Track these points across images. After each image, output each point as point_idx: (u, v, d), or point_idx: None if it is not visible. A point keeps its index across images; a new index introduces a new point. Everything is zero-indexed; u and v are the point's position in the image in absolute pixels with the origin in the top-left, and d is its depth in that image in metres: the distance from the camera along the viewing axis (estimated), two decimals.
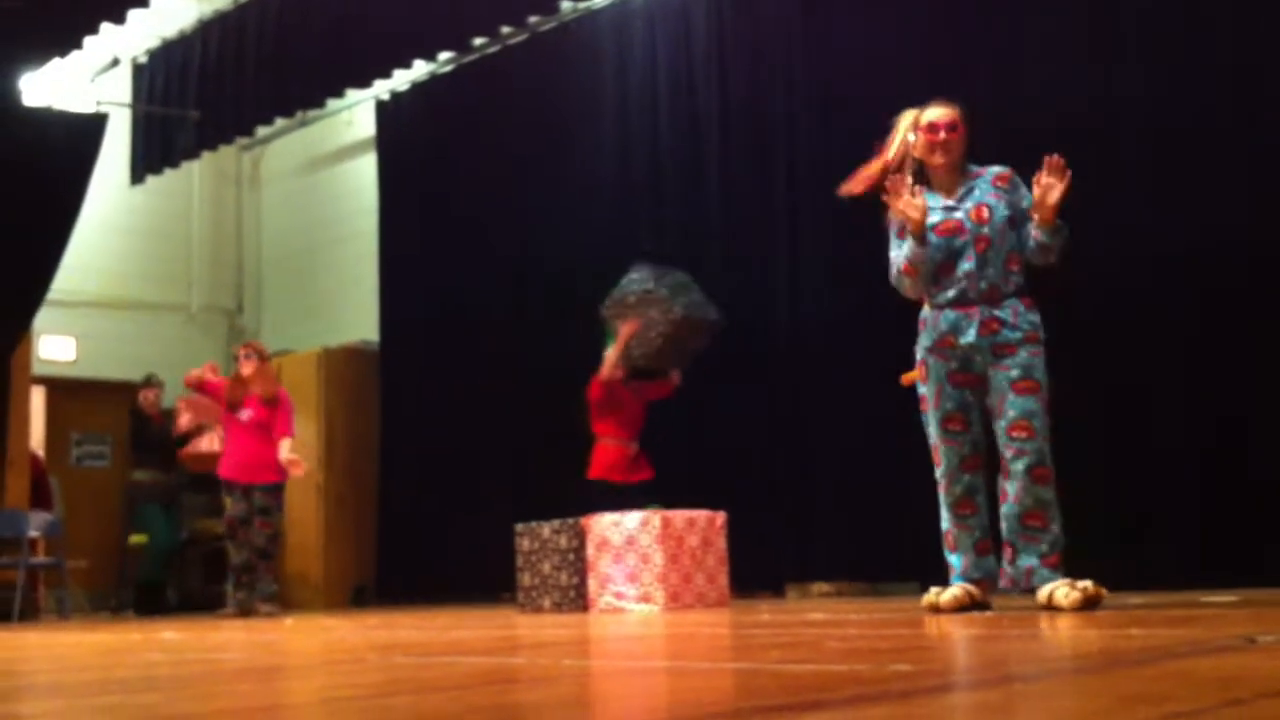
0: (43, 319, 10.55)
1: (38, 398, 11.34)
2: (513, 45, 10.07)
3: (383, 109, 11.20)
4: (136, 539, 10.62)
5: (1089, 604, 4.21)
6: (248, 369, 8.70)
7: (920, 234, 4.61)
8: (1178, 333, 6.25)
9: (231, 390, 8.73)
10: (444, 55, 10.37)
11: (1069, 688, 2.09)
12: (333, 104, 11.11)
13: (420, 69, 10.62)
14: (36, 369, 10.78)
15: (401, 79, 10.75)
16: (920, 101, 7.35)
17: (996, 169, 4.68)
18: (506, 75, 10.02)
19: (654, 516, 6.71)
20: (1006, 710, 1.79)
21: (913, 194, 4.64)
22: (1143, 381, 6.28)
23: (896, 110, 7.51)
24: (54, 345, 11.48)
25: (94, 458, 11.98)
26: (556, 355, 9.30)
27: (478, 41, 10.01)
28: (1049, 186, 4.43)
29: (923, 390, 4.70)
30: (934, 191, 4.71)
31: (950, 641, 3.32)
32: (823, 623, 4.42)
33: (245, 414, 8.68)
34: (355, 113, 11.75)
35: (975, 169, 4.71)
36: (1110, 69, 6.61)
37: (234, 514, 8.68)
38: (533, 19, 9.59)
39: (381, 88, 10.92)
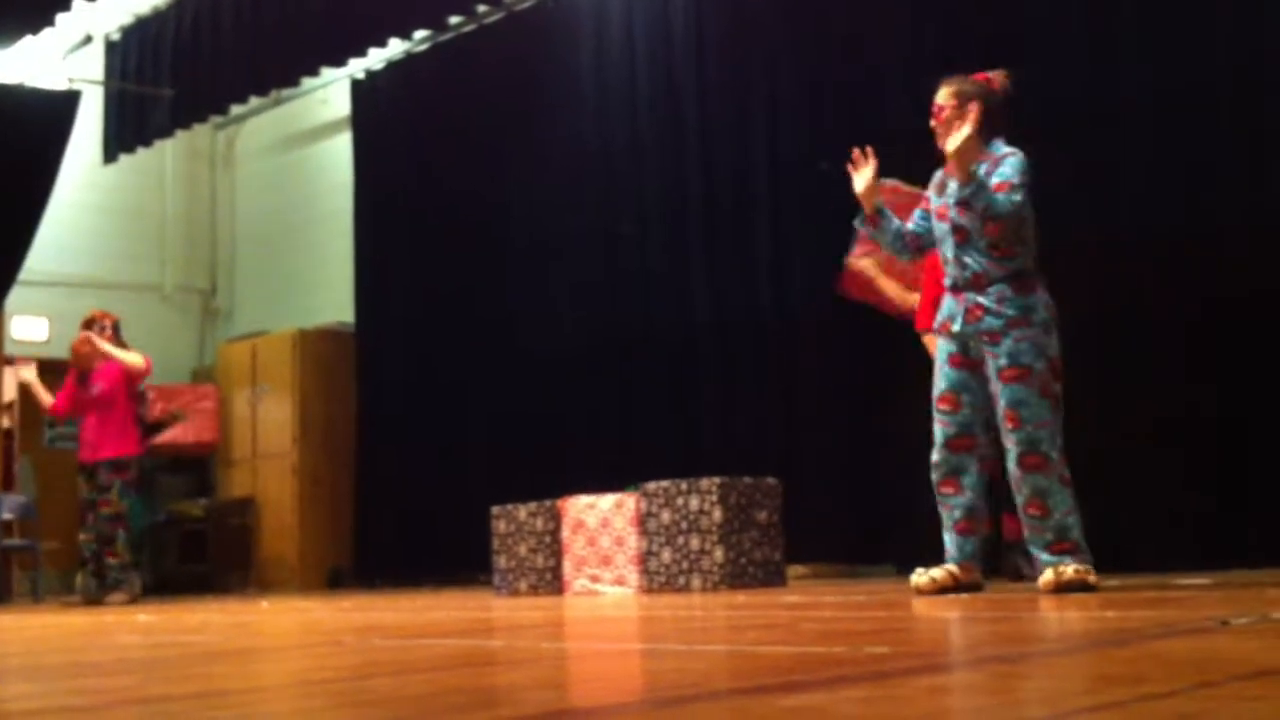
0: (15, 299, 10.46)
1: (10, 379, 11.25)
2: (489, 24, 10.01)
3: (358, 88, 11.13)
4: None
5: (1071, 588, 4.19)
6: (103, 340, 8.30)
7: (865, 206, 4.82)
8: (1155, 317, 6.27)
9: (77, 360, 8.33)
10: (420, 34, 10.31)
11: (1044, 669, 2.10)
12: (308, 82, 11.03)
13: (396, 48, 10.55)
14: (9, 349, 10.71)
15: (377, 58, 10.69)
16: (899, 80, 7.40)
17: (1004, 150, 4.53)
18: (483, 54, 9.97)
19: (628, 499, 6.71)
20: (983, 691, 1.80)
21: (863, 162, 4.78)
22: (1115, 366, 6.30)
23: (879, 88, 7.55)
24: (27, 325, 11.39)
25: (68, 439, 11.87)
26: (533, 335, 9.29)
27: (454, 20, 9.95)
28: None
29: None
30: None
31: (927, 624, 3.33)
32: (799, 605, 4.44)
33: (94, 388, 8.31)
34: (330, 91, 11.67)
35: (994, 151, 4.54)
36: (1106, 54, 6.60)
37: (83, 496, 8.31)
38: None
39: (357, 66, 10.84)
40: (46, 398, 8.57)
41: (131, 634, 4.48)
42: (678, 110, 8.66)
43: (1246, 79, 6.15)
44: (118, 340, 8.47)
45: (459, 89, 10.06)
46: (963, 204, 4.48)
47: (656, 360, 8.55)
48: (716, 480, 6.43)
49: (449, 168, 10.11)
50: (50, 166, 10.07)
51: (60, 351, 11.39)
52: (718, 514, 6.33)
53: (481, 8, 9.77)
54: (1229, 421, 6.00)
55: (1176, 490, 6.08)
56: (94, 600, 8.16)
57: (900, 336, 6.56)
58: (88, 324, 8.45)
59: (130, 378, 8.35)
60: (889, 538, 7.07)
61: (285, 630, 4.53)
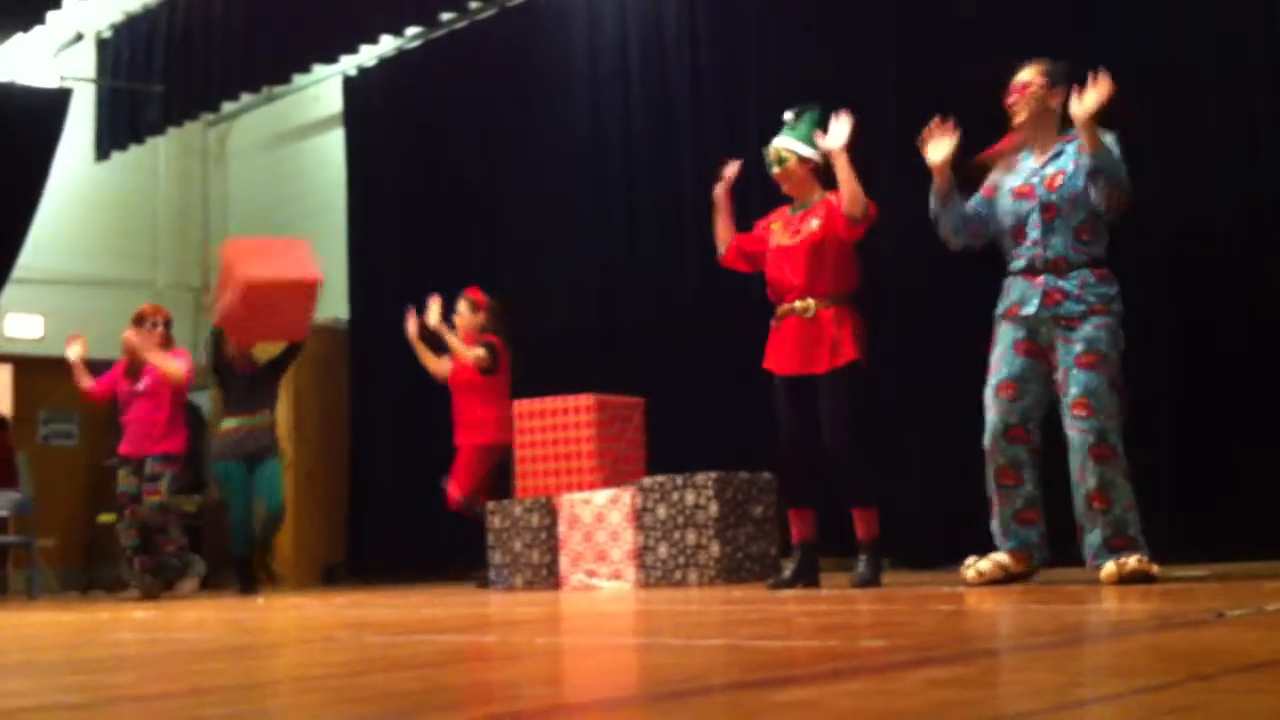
0: (9, 296, 10.44)
1: (5, 376, 11.25)
2: (481, 20, 10.00)
3: (350, 85, 11.11)
4: (104, 518, 10.37)
5: (1133, 579, 4.14)
6: (155, 338, 8.31)
7: (939, 179, 4.63)
8: (1154, 301, 6.27)
9: (128, 352, 8.34)
10: (412, 31, 10.30)
11: (1040, 661, 2.10)
12: (299, 80, 11.00)
13: (388, 44, 10.54)
14: (3, 347, 10.70)
15: (369, 55, 10.67)
16: (892, 73, 7.39)
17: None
18: (475, 50, 9.95)
19: (624, 494, 6.71)
20: (979, 684, 1.80)
21: (943, 133, 4.63)
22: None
23: (870, 82, 7.54)
24: (21, 322, 11.37)
25: (61, 436, 11.88)
26: (526, 331, 9.28)
27: (446, 17, 9.94)
28: (1085, 95, 4.28)
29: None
30: (1033, 153, 4.61)
31: (922, 618, 3.33)
32: (794, 599, 4.44)
33: (142, 382, 8.30)
34: (322, 89, 11.65)
35: (1075, 133, 4.49)
36: (1106, 37, 6.59)
37: (125, 489, 8.23)
38: None
39: (349, 63, 10.83)
40: (86, 380, 8.48)
41: (128, 631, 4.47)
42: (670, 104, 8.64)
43: (1237, 64, 6.16)
44: (167, 337, 8.45)
45: (451, 86, 10.04)
46: (1094, 173, 4.33)
47: (650, 352, 8.55)
48: (713, 475, 6.42)
49: (441, 164, 10.10)
50: (42, 164, 10.05)
51: (55, 348, 11.38)
52: (714, 509, 6.33)
53: (474, 4, 9.77)
54: (1224, 412, 6.01)
55: (1172, 482, 6.08)
56: (152, 593, 8.03)
57: (891, 328, 6.57)
58: (139, 319, 8.42)
59: (170, 383, 8.31)
60: (885, 530, 7.06)
61: (280, 627, 4.53)
